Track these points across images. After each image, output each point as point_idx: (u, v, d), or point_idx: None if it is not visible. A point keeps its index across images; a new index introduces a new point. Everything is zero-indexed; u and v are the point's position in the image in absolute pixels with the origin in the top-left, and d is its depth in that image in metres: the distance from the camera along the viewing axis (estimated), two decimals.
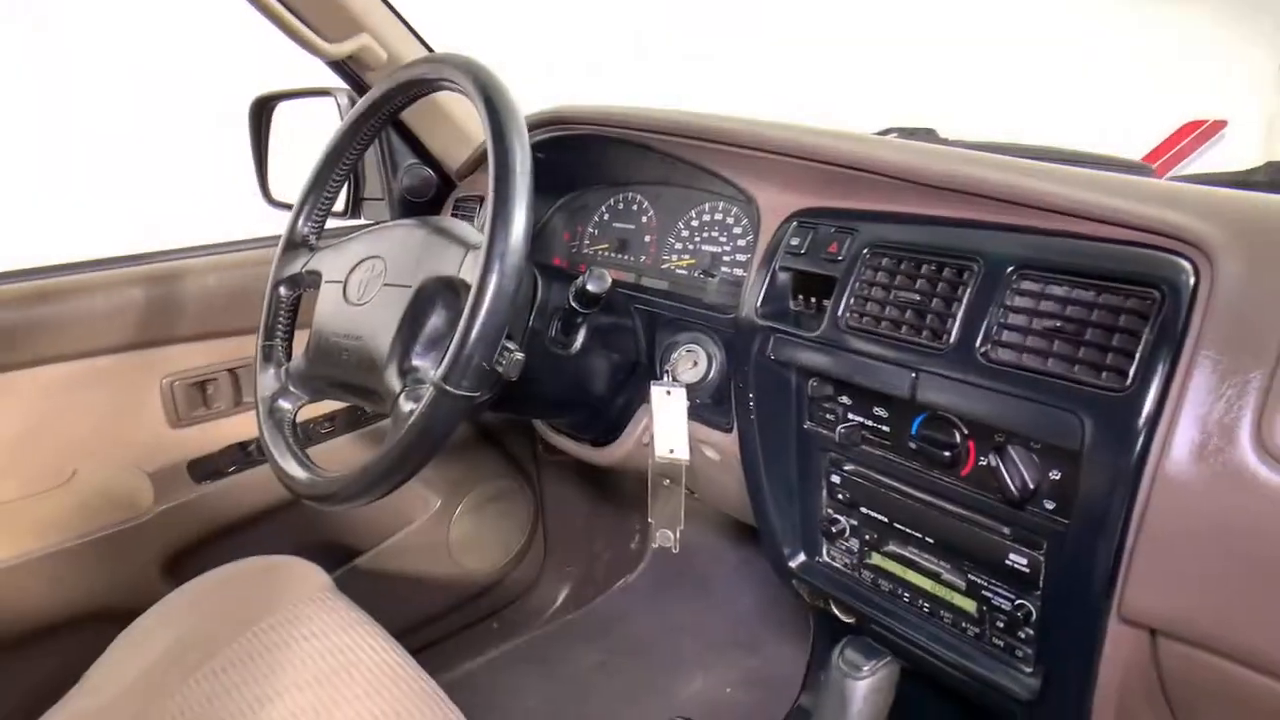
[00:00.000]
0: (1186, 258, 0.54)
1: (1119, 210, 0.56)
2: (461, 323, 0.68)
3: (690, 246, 1.00)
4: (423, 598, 1.37)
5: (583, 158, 1.08)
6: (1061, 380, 0.56)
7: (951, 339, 0.63)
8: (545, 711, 1.36)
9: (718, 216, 0.98)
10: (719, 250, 0.97)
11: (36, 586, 1.04)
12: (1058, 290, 0.59)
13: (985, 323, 0.61)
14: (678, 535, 0.96)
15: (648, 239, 1.06)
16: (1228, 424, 0.49)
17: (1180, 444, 0.51)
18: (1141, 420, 0.52)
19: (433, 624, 1.41)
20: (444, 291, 0.78)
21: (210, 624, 0.95)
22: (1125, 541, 0.54)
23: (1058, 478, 0.59)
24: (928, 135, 1.02)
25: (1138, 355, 0.53)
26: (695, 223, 1.01)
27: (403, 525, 1.35)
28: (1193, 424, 0.51)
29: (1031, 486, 0.61)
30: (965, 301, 0.63)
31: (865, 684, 0.67)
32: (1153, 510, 0.52)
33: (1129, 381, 0.53)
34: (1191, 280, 0.53)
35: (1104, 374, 0.55)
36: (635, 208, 1.09)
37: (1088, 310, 0.57)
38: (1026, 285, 0.60)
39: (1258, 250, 0.51)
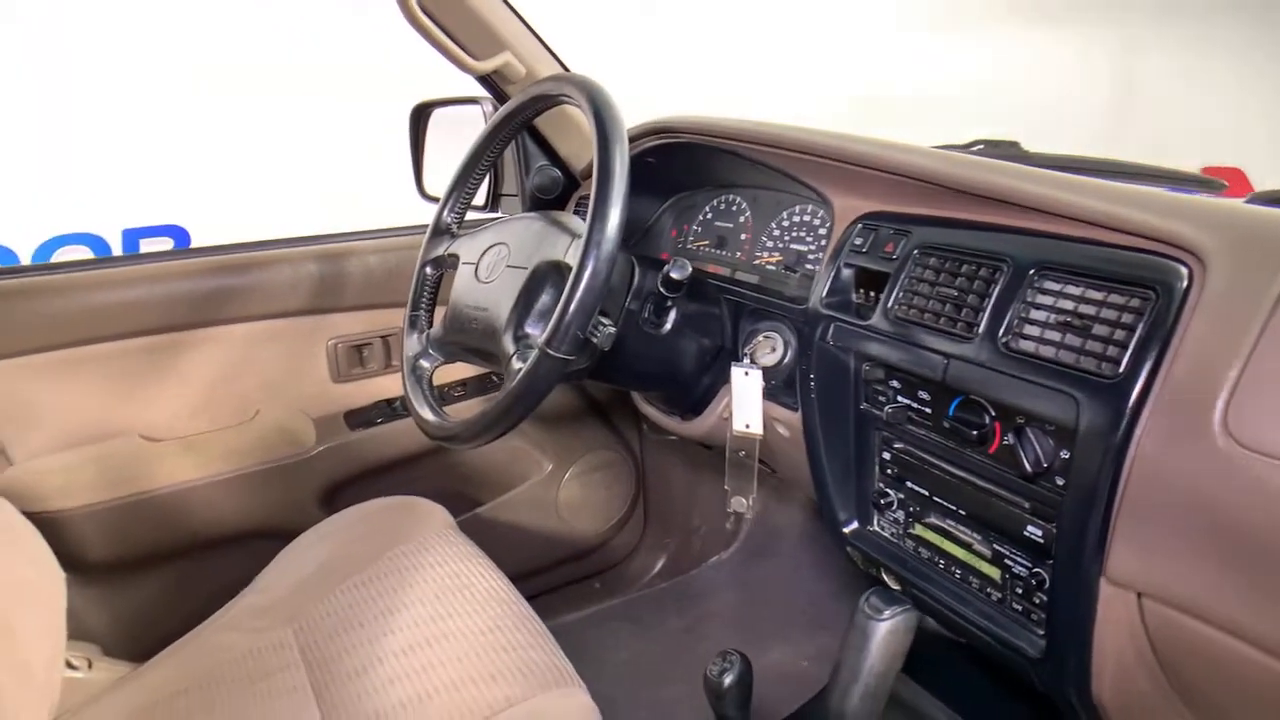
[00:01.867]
0: (1184, 263, 0.60)
1: (1128, 219, 0.63)
2: (563, 298, 0.82)
3: (781, 245, 1.11)
4: (531, 549, 1.54)
5: (690, 162, 1.20)
6: (1066, 367, 0.64)
7: (980, 330, 0.72)
8: (634, 665, 1.50)
9: (805, 218, 1.08)
10: (805, 249, 1.07)
11: (222, 503, 1.27)
12: (1073, 289, 0.66)
13: (1009, 316, 0.70)
14: (750, 502, 1.07)
15: (744, 237, 1.17)
16: (1201, 410, 0.56)
17: (1159, 426, 0.58)
18: (1128, 404, 0.60)
19: (539, 575, 1.57)
20: (553, 273, 0.92)
21: (355, 547, 1.15)
22: (1111, 510, 0.61)
23: (1066, 456, 0.67)
24: (1011, 147, 1.08)
25: (1130, 347, 0.61)
26: (786, 223, 1.11)
27: (518, 482, 1.52)
28: (1171, 409, 0.58)
29: (1045, 464, 0.68)
30: (994, 297, 0.71)
31: (885, 626, 0.77)
32: (1133, 483, 0.59)
33: (1121, 369, 0.61)
34: (1185, 283, 0.60)
35: (1102, 363, 0.62)
36: (735, 208, 1.20)
37: (1095, 307, 0.64)
38: (1047, 284, 0.68)
39: (1245, 258, 0.58)
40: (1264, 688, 0.57)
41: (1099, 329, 0.63)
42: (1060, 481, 0.68)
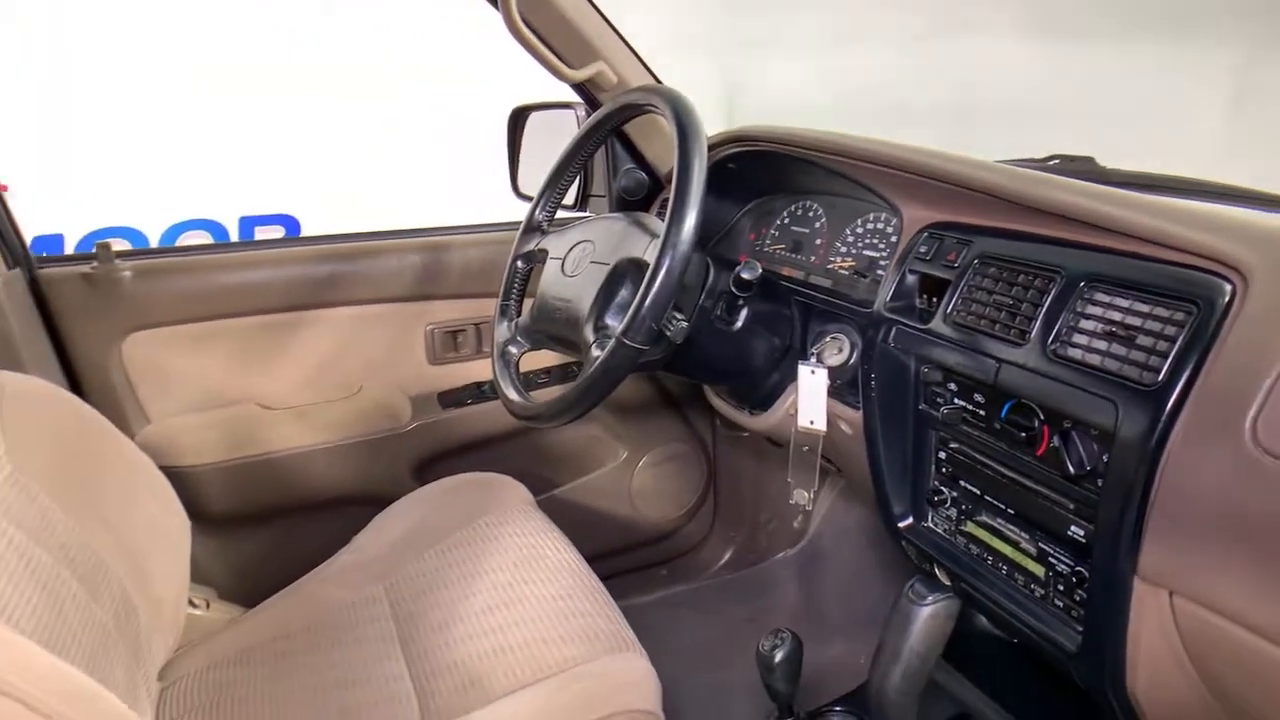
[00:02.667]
0: (1227, 279, 0.63)
1: (1176, 235, 0.67)
2: (640, 293, 0.89)
3: (854, 251, 1.16)
4: (603, 532, 1.62)
5: (769, 170, 1.26)
6: (1109, 374, 0.68)
7: (1031, 336, 0.75)
8: (695, 648, 1.56)
9: (878, 226, 1.13)
10: (876, 255, 1.11)
11: (326, 469, 1.40)
12: (1121, 301, 0.70)
13: (1059, 324, 0.73)
14: (811, 495, 1.13)
15: (819, 242, 1.22)
16: (1233, 419, 0.59)
17: (1192, 433, 0.62)
18: (1165, 411, 0.63)
19: (610, 558, 1.65)
20: (632, 269, 1.00)
21: (442, 516, 1.25)
22: (1145, 511, 0.65)
23: (1106, 459, 0.70)
24: (1087, 162, 1.10)
25: (1170, 357, 0.64)
26: (860, 230, 1.16)
27: (594, 468, 1.61)
28: (1205, 417, 0.61)
29: (1088, 466, 0.72)
30: (1045, 306, 0.75)
31: (927, 611, 0.81)
32: (1166, 486, 0.63)
33: (1160, 378, 0.64)
34: (1227, 298, 0.63)
35: (1143, 372, 0.66)
36: (811, 214, 1.25)
37: (1141, 319, 0.68)
38: (1097, 296, 0.72)
39: None
40: None
41: (1143, 339, 0.67)
42: (1101, 483, 0.71)
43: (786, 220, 1.30)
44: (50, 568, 0.86)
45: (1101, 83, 3.44)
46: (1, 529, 0.82)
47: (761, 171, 1.28)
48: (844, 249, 1.17)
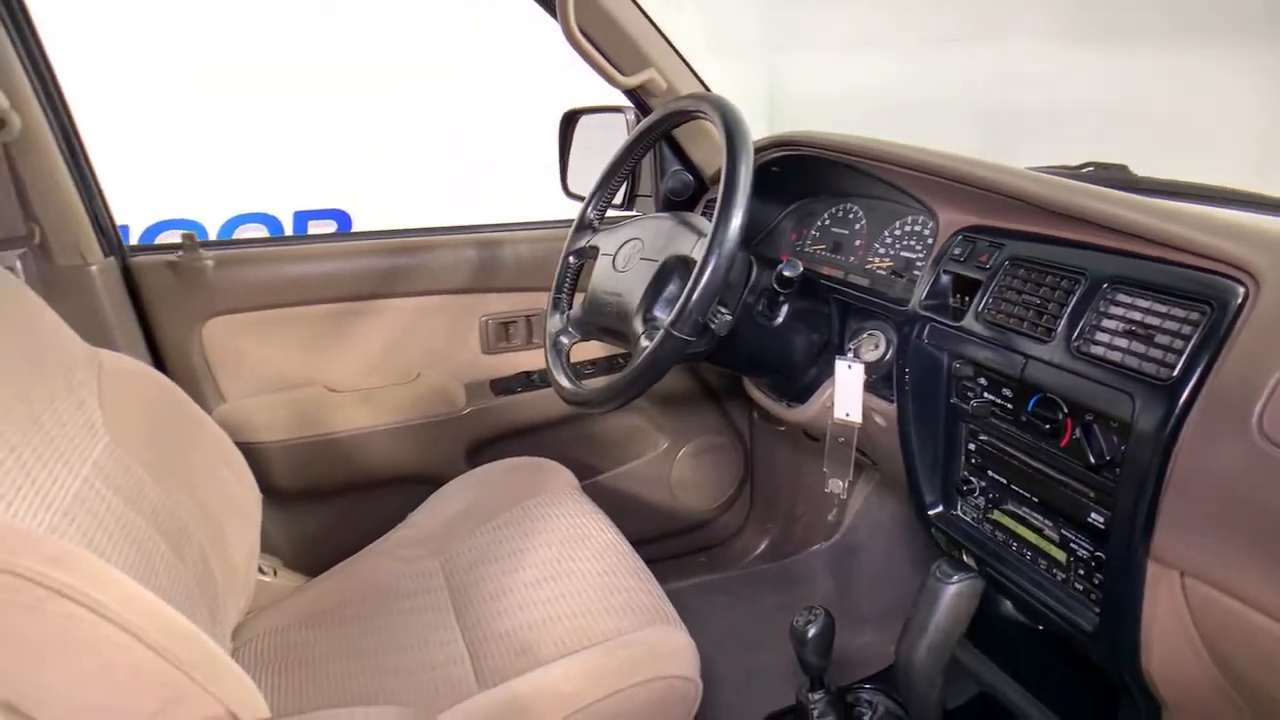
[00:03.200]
0: (1241, 282, 0.68)
1: (1193, 240, 0.71)
2: (687, 287, 0.95)
3: (892, 252, 1.21)
4: (643, 518, 1.69)
5: (811, 173, 1.31)
6: (1128, 370, 0.73)
7: (1056, 334, 0.80)
8: (730, 632, 1.62)
9: (915, 228, 1.18)
10: (913, 256, 1.16)
11: (386, 449, 1.48)
12: (1141, 302, 0.75)
13: (1082, 323, 0.78)
14: (845, 485, 1.18)
15: (858, 243, 1.28)
16: (1241, 412, 0.64)
17: (1202, 424, 0.66)
18: (1178, 404, 0.68)
19: (649, 544, 1.71)
20: (680, 266, 1.06)
21: (493, 496, 1.32)
22: (1158, 497, 0.69)
23: (1123, 449, 0.75)
24: (1120, 170, 1.14)
25: (1184, 354, 0.69)
26: (898, 232, 1.21)
27: (635, 457, 1.68)
28: (1215, 410, 0.66)
29: (1107, 456, 0.77)
30: (1070, 306, 0.80)
31: (952, 589, 0.86)
32: (1178, 473, 0.68)
33: (1174, 373, 0.69)
34: (1239, 300, 0.67)
35: (1159, 368, 0.70)
36: (851, 216, 1.31)
37: (1159, 318, 0.72)
38: (1119, 297, 0.77)
39: None
40: None
41: (1160, 338, 0.72)
42: (1118, 472, 0.76)
43: (827, 222, 1.35)
44: (143, 529, 0.95)
45: (1146, 86, 3.41)
46: (101, 493, 0.91)
47: (804, 175, 1.33)
48: (882, 250, 1.22)
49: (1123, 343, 0.75)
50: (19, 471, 0.79)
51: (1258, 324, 0.65)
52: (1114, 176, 1.11)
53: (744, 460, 1.81)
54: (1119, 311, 0.76)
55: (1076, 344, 0.78)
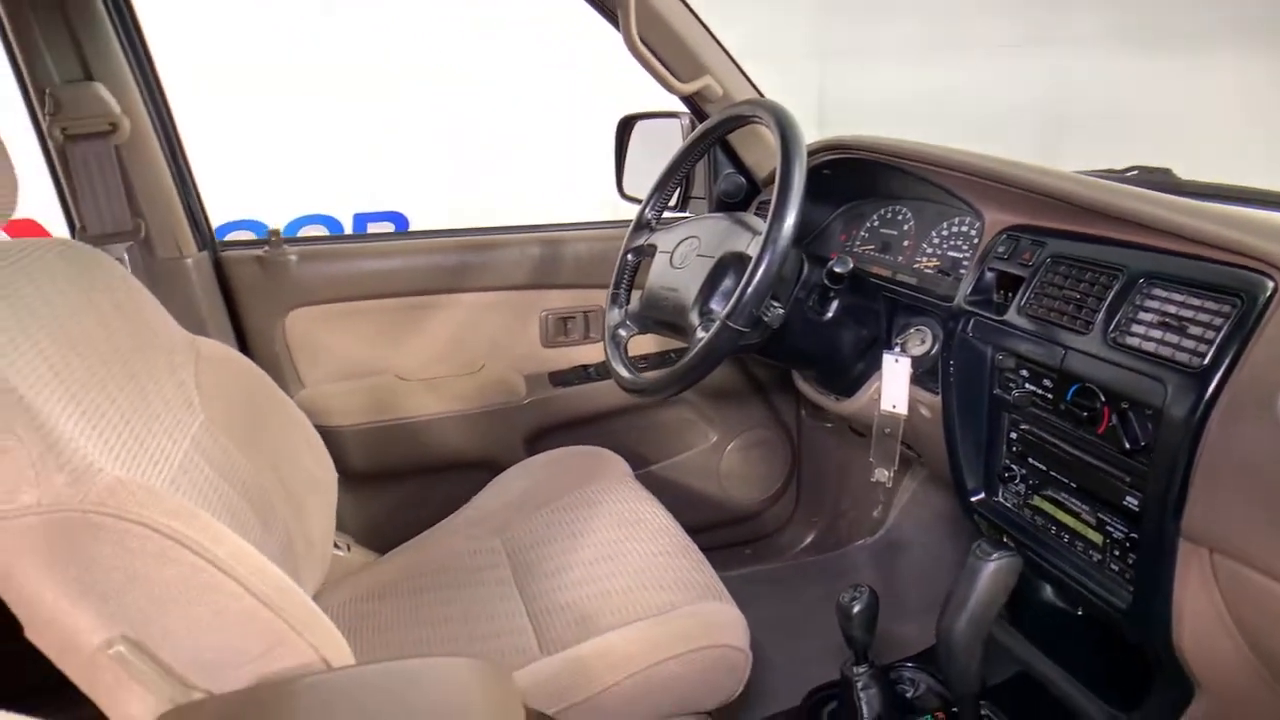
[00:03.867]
0: (1270, 276, 0.72)
1: (1225, 238, 0.76)
2: (743, 281, 1.02)
3: (939, 252, 1.25)
4: (693, 508, 1.74)
5: (861, 175, 1.37)
6: (1161, 359, 0.77)
7: (1094, 326, 0.85)
8: (776, 619, 1.66)
9: (962, 229, 1.22)
10: (960, 255, 1.21)
11: (452, 435, 1.57)
12: (1176, 296, 0.79)
13: (1119, 316, 0.83)
14: (890, 474, 1.23)
15: (906, 244, 1.32)
16: (1265, 398, 0.68)
17: (1230, 409, 0.71)
18: (1207, 391, 0.72)
19: (698, 533, 1.77)
20: (736, 262, 1.13)
21: (552, 481, 1.40)
22: (1189, 477, 0.74)
23: (1156, 434, 0.80)
24: (1164, 174, 1.17)
25: (1215, 344, 0.73)
26: (945, 232, 1.25)
27: (686, 449, 1.74)
28: (1241, 396, 0.70)
29: (1142, 442, 0.81)
30: (1108, 300, 0.85)
31: (991, 566, 0.91)
32: (1206, 455, 0.72)
33: (1205, 362, 0.73)
34: (1268, 293, 0.72)
35: (1190, 356, 0.75)
36: (900, 217, 1.35)
37: (1192, 311, 0.77)
38: (1155, 291, 0.81)
39: None
40: None
41: (1193, 329, 0.76)
42: (1152, 456, 0.81)
43: (876, 223, 1.40)
44: (235, 500, 1.04)
45: (1206, 92, 3.39)
46: (199, 464, 1.00)
47: (854, 178, 1.39)
48: (929, 250, 1.27)
49: (1157, 334, 0.79)
50: (133, 440, 0.88)
51: None
52: (1158, 180, 1.15)
53: (791, 455, 1.86)
54: (1154, 305, 0.81)
55: (1113, 335, 0.83)
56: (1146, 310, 0.81)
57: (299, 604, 0.85)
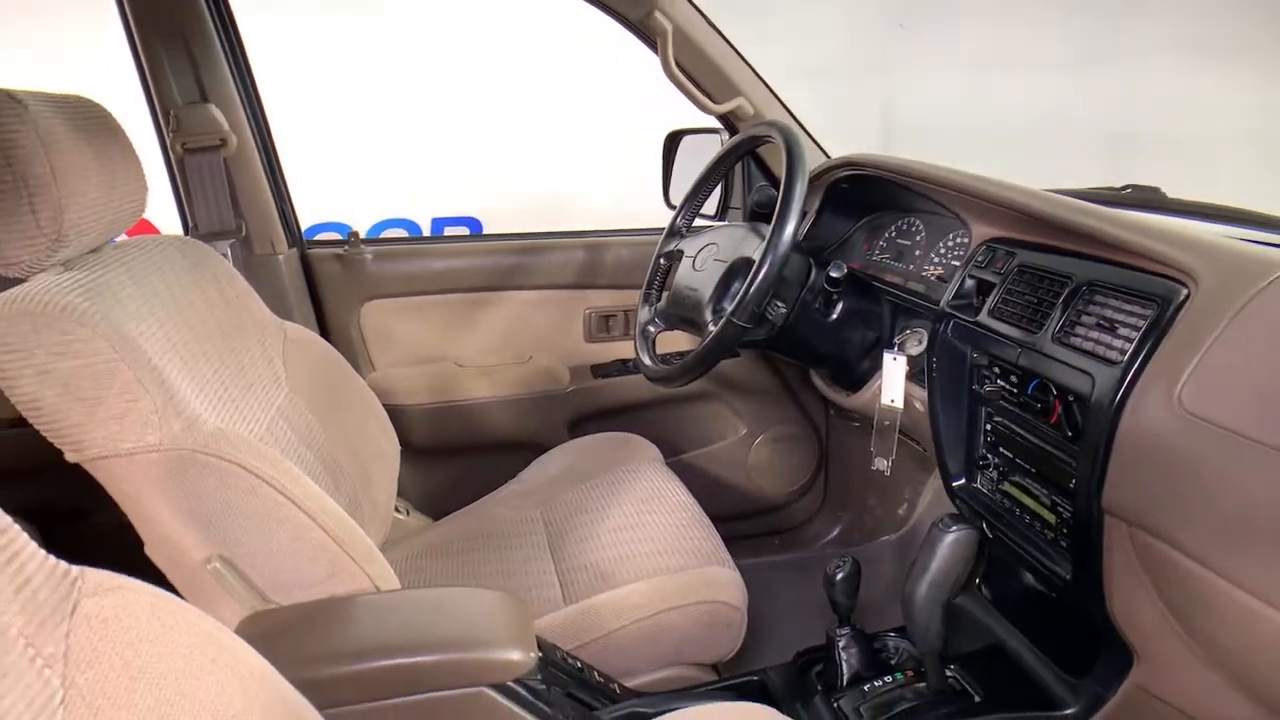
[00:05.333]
0: (1184, 284, 0.83)
1: (1152, 249, 0.86)
2: (746, 282, 1.16)
3: (944, 261, 1.37)
4: (721, 497, 1.88)
5: (877, 190, 1.49)
6: (1091, 354, 0.88)
7: (1045, 327, 0.96)
8: (795, 602, 1.78)
9: (961, 239, 1.33)
10: (958, 265, 1.32)
11: (501, 418, 1.75)
12: (1112, 301, 0.90)
13: (1064, 318, 0.94)
14: (890, 462, 1.34)
15: (917, 253, 1.44)
16: (1169, 387, 0.79)
17: (1141, 397, 0.82)
18: (1124, 381, 0.83)
19: (727, 521, 1.90)
20: (744, 266, 1.27)
21: (589, 462, 1.56)
22: (1108, 458, 0.85)
23: (1083, 420, 0.90)
24: (1154, 192, 1.26)
25: (1134, 342, 0.84)
26: (950, 243, 1.37)
27: (716, 440, 1.88)
28: (1150, 386, 0.81)
29: (1080, 429, 0.92)
30: (1058, 305, 0.96)
31: (950, 538, 1.02)
32: (1121, 437, 0.83)
33: (1124, 358, 0.84)
34: (1181, 298, 0.82)
35: (1114, 352, 0.86)
36: (913, 229, 1.47)
37: (1122, 314, 0.88)
38: (1096, 297, 0.92)
39: (1224, 284, 0.79)
40: (1209, 595, 0.78)
41: (1121, 330, 0.87)
42: (1083, 440, 0.91)
43: (893, 234, 1.52)
44: (312, 462, 1.23)
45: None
46: (283, 428, 1.19)
47: (871, 192, 1.51)
48: (935, 259, 1.38)
49: (1094, 334, 0.90)
50: (230, 403, 1.08)
51: (1191, 318, 0.80)
52: (1147, 198, 1.24)
53: (818, 451, 1.97)
54: (1094, 309, 0.92)
55: (1059, 335, 0.94)
56: (1088, 313, 0.92)
57: (360, 541, 1.03)
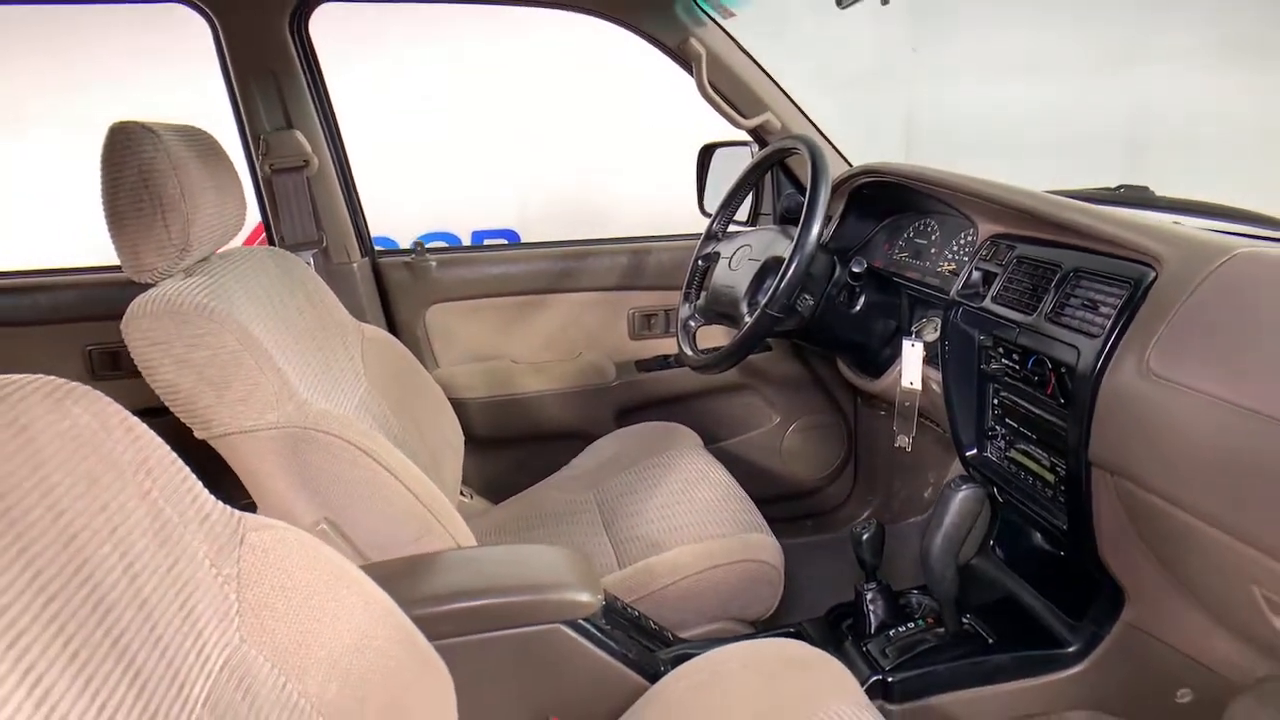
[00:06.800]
0: (1152, 267, 0.97)
1: (1125, 239, 1.00)
2: (778, 278, 1.31)
3: (956, 257, 1.51)
4: (757, 481, 2.02)
5: (895, 195, 1.63)
6: (1076, 330, 1.02)
7: (1038, 309, 1.10)
8: (828, 574, 1.90)
9: (971, 237, 1.47)
10: (969, 259, 1.46)
11: (554, 409, 1.91)
12: (1095, 284, 1.04)
13: (1055, 300, 1.08)
14: (910, 438, 1.48)
15: (933, 251, 1.58)
16: (1140, 353, 0.93)
17: (1117, 364, 0.95)
18: (1102, 351, 0.97)
19: (763, 504, 2.05)
20: (775, 264, 1.42)
21: (636, 449, 1.71)
22: (1091, 416, 0.99)
23: (1072, 387, 1.04)
24: (1144, 191, 1.39)
25: (1111, 318, 0.98)
26: (962, 241, 1.51)
27: (752, 428, 2.03)
28: (1124, 355, 0.95)
29: (1072, 395, 1.06)
30: (1050, 290, 1.10)
31: (960, 495, 1.16)
32: (1101, 398, 0.97)
33: (1103, 332, 0.98)
34: (1150, 280, 0.96)
35: (1096, 328, 1.00)
36: (929, 229, 1.61)
37: (1102, 295, 1.01)
38: (1082, 281, 1.06)
39: (1185, 265, 0.93)
40: (1181, 531, 0.92)
41: (1102, 308, 1.01)
42: (1072, 403, 1.05)
43: (911, 234, 1.66)
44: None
45: None
46: (363, 417, 1.36)
47: (890, 196, 1.65)
48: (949, 255, 1.52)
49: (1081, 313, 1.04)
50: (322, 392, 1.25)
51: (1157, 295, 0.94)
52: (1138, 196, 1.37)
53: (848, 438, 2.11)
54: (1080, 291, 1.06)
55: (1051, 315, 1.08)
56: (1075, 295, 1.06)
57: (444, 505, 1.20)
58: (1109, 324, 0.98)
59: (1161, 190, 1.44)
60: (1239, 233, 1.06)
